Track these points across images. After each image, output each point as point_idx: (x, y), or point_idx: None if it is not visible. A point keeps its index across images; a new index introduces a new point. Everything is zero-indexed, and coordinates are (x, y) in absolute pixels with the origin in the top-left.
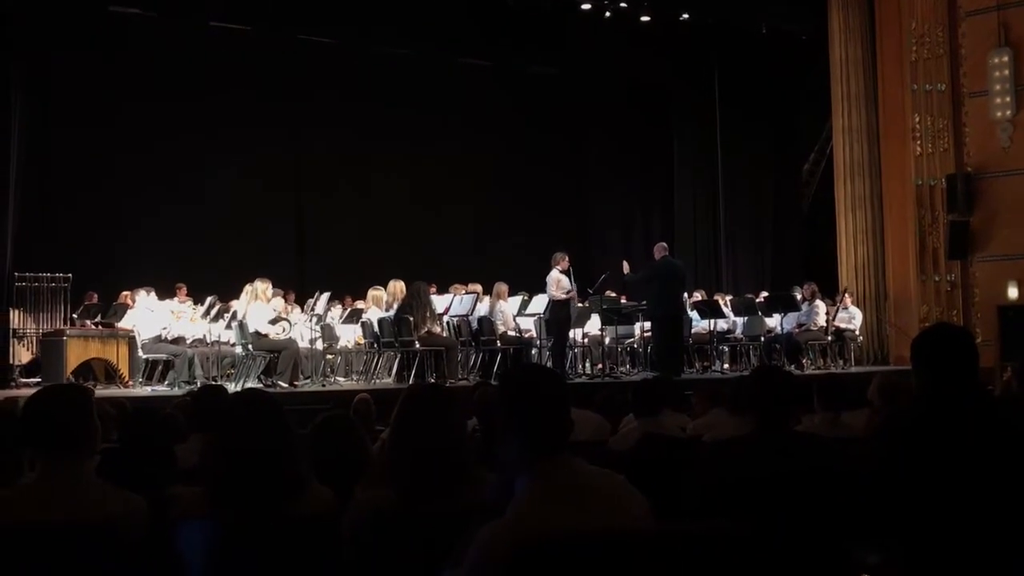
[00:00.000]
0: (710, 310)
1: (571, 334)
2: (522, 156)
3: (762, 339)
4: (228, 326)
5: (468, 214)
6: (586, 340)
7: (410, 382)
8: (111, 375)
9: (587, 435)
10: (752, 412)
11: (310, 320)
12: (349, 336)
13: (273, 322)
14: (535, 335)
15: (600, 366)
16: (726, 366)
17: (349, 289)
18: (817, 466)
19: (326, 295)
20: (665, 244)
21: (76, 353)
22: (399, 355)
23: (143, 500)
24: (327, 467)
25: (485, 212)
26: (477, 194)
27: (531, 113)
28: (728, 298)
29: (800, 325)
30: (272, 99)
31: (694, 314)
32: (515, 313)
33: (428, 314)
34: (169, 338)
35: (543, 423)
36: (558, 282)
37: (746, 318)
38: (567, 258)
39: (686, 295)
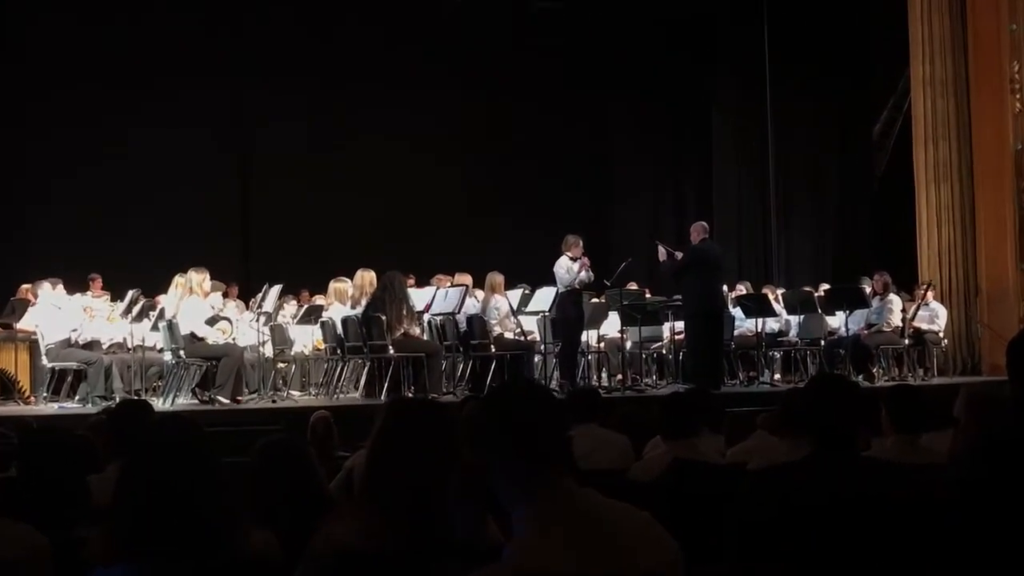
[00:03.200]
0: (757, 307)
1: (584, 336)
2: (525, 114)
3: (822, 343)
4: (154, 327)
5: (455, 185)
6: (602, 344)
7: (382, 397)
8: (7, 388)
9: (609, 461)
10: (808, 433)
11: (257, 320)
12: (306, 340)
13: (211, 322)
14: (539, 338)
15: (620, 377)
16: (777, 376)
17: (306, 281)
18: (890, 499)
19: (276, 288)
20: (705, 224)
21: None
22: (368, 363)
23: (47, 542)
24: (273, 504)
25: (477, 183)
26: (467, 160)
27: (537, 60)
28: (780, 292)
29: (870, 326)
30: (206, 38)
31: (737, 312)
32: (514, 310)
33: (404, 312)
34: (81, 342)
35: (535, 443)
36: (568, 271)
37: (802, 317)
38: (581, 243)
39: (726, 288)
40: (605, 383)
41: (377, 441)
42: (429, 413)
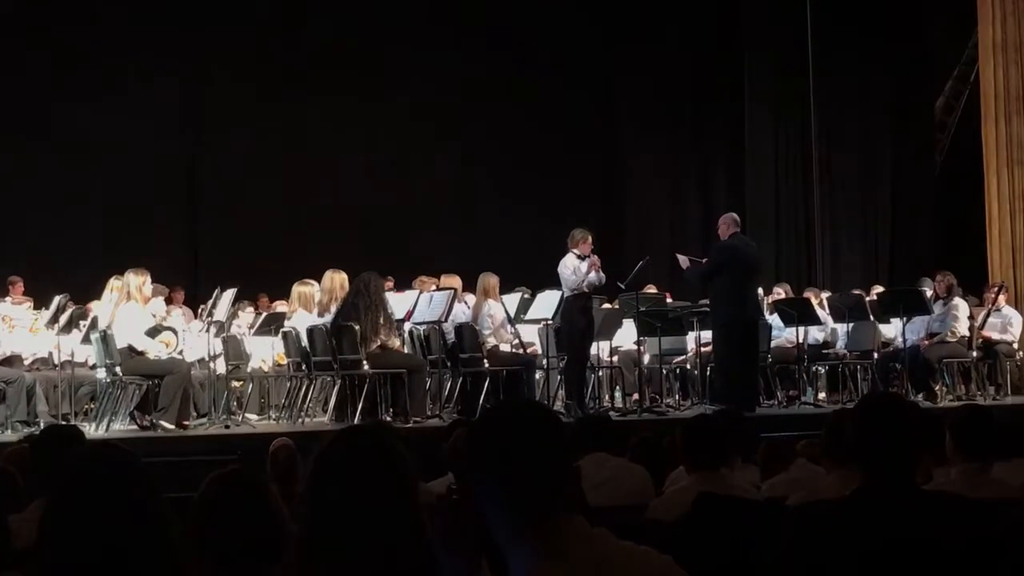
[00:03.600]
0: (798, 314)
1: (594, 349)
2: (522, 87)
3: (875, 356)
4: (86, 339)
5: (440, 172)
6: (615, 358)
7: (355, 421)
8: None
9: (624, 495)
10: (859, 463)
11: (207, 330)
12: (265, 354)
13: (152, 333)
14: (540, 351)
15: (636, 397)
16: (821, 396)
17: (265, 284)
18: (955, 541)
19: (230, 293)
20: (736, 216)
21: None
22: (339, 382)
23: None
24: (224, 549)
25: (466, 169)
26: (455, 142)
27: (534, 23)
28: (824, 296)
29: (931, 335)
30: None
31: (774, 319)
32: (511, 318)
33: (382, 320)
34: None
35: (536, 475)
36: (575, 272)
37: (851, 325)
38: (590, 238)
39: (761, 292)
40: (619, 404)
41: (308, 484)
42: (370, 447)
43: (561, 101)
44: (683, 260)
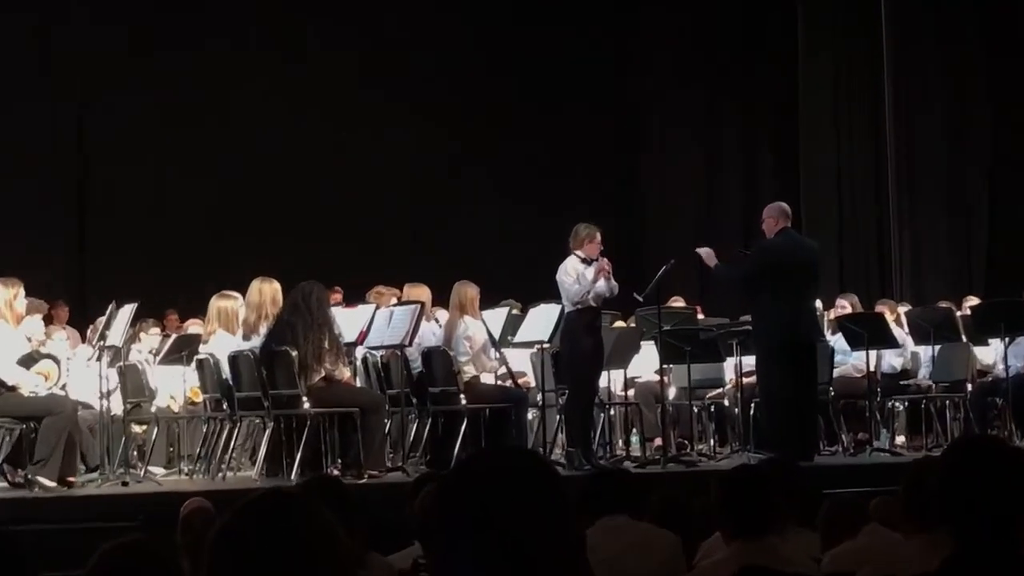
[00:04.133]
0: (869, 333)
1: (604, 380)
2: (507, 44)
3: (968, 388)
4: None
5: (402, 152)
6: (631, 392)
7: (292, 477)
8: None
9: (647, 570)
10: (949, 526)
11: (98, 358)
12: (175, 388)
13: (26, 362)
14: (533, 382)
15: (659, 442)
16: (899, 440)
17: (174, 298)
18: None
19: (128, 310)
20: (786, 207)
21: None
22: (271, 425)
23: None
24: None
25: (436, 147)
26: (419, 114)
27: None
28: (903, 310)
29: None
30: None
31: (838, 341)
32: (495, 340)
33: (327, 344)
34: None
35: (528, 548)
36: (579, 279)
37: (937, 348)
38: (599, 236)
39: (820, 305)
40: (637, 452)
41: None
42: (281, 522)
43: (561, 62)
44: (706, 255)
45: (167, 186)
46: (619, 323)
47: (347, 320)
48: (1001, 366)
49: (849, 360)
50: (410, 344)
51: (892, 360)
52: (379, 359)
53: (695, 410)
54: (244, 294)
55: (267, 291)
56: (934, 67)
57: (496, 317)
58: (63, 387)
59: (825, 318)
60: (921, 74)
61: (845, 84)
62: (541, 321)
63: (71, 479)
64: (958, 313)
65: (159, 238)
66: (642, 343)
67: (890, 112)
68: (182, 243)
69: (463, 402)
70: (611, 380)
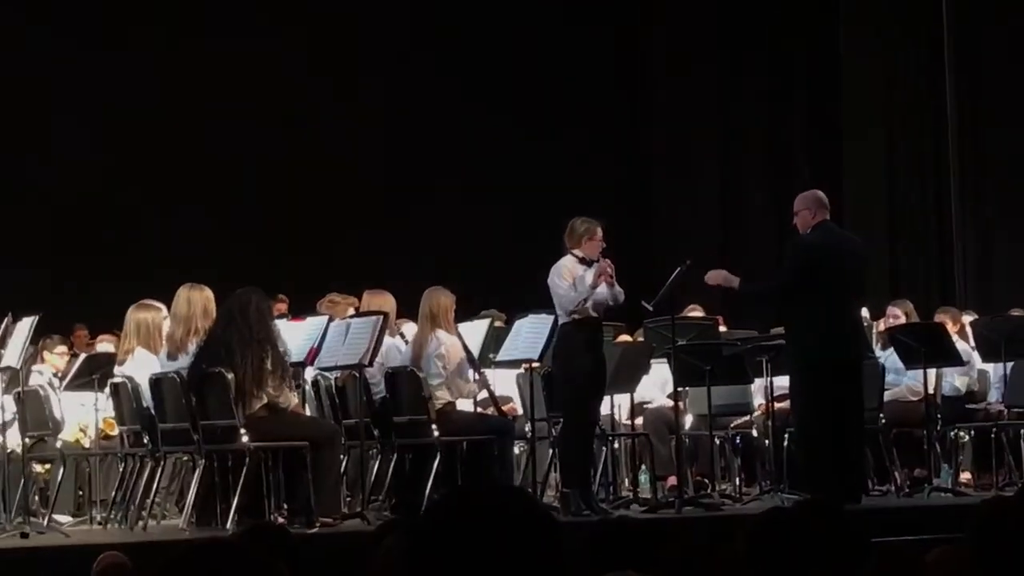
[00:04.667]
0: (927, 348)
1: (606, 406)
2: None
3: None
4: None
5: (363, 131)
6: (640, 421)
7: (229, 526)
8: None
9: None
10: None
11: None
12: (84, 418)
13: None
14: (520, 409)
15: (672, 481)
16: (964, 476)
17: (83, 309)
18: None
19: (27, 324)
20: (823, 196)
21: None
22: (202, 463)
23: None
24: None
25: (403, 128)
26: (383, 90)
27: None
28: (968, 319)
29: None
30: None
31: (890, 357)
32: (474, 359)
33: (269, 365)
34: None
35: None
36: (575, 285)
37: (1009, 365)
38: (600, 233)
39: (867, 315)
40: (646, 493)
41: None
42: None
43: (557, 31)
44: (722, 279)
45: (76, 165)
46: (624, 337)
47: (294, 335)
48: None
49: (903, 381)
50: (370, 364)
51: (955, 380)
52: (333, 382)
53: (717, 442)
54: (169, 304)
55: (197, 300)
56: (1001, 40)
57: (475, 331)
58: None
59: (874, 330)
60: (989, 47)
61: (898, 59)
62: (530, 336)
63: None
64: None
65: (64, 231)
66: (652, 361)
67: (951, 90)
68: (92, 238)
69: (435, 434)
70: (615, 406)
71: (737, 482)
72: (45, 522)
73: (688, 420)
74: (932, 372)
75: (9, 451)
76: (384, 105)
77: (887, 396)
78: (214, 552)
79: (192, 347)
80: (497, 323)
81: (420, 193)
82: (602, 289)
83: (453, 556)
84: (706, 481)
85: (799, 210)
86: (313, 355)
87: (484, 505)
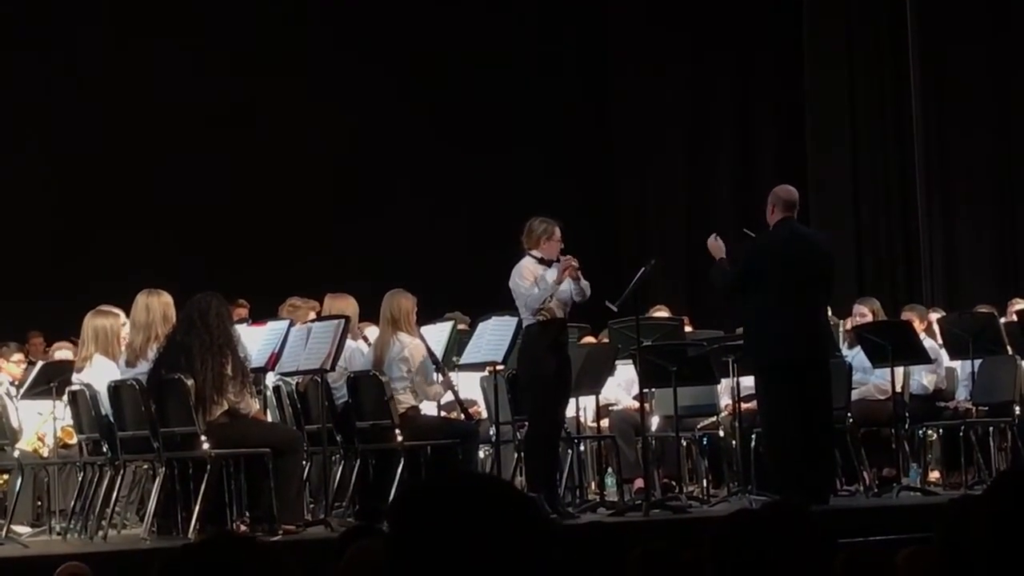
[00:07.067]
0: (894, 346)
1: (572, 409)
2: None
3: (1016, 410)
4: None
5: (325, 129)
6: (606, 423)
7: (191, 534)
8: None
9: None
10: None
11: None
12: (42, 427)
13: None
14: (485, 413)
15: (639, 483)
16: (933, 476)
17: (39, 316)
18: None
19: None
20: (787, 193)
21: None
22: (162, 471)
23: None
24: None
25: (363, 124)
26: (340, 82)
27: None
28: (935, 317)
29: None
30: None
31: (856, 356)
32: (438, 362)
33: (229, 371)
34: None
35: None
36: (536, 284)
37: (977, 363)
38: (559, 232)
39: (833, 314)
40: (612, 496)
41: None
42: None
43: (522, 30)
44: (715, 248)
45: (23, 178)
46: (589, 338)
47: (255, 340)
48: None
49: (871, 380)
50: (332, 368)
51: (923, 378)
52: (294, 387)
53: (683, 444)
54: (127, 310)
55: (156, 306)
56: (965, 45)
57: (438, 333)
58: None
59: (840, 328)
60: (953, 51)
61: (864, 66)
62: (493, 338)
63: None
64: (1002, 320)
65: (15, 237)
66: (617, 363)
67: (915, 92)
68: (45, 245)
69: (399, 438)
70: (580, 408)
71: (704, 484)
72: (3, 533)
73: (654, 422)
74: (900, 370)
75: None
76: (342, 105)
77: (854, 395)
78: (175, 562)
79: (151, 354)
80: (461, 326)
81: (381, 195)
82: (566, 285)
83: (419, 561)
84: (673, 483)
85: (774, 202)
86: (274, 360)
87: (466, 487)
